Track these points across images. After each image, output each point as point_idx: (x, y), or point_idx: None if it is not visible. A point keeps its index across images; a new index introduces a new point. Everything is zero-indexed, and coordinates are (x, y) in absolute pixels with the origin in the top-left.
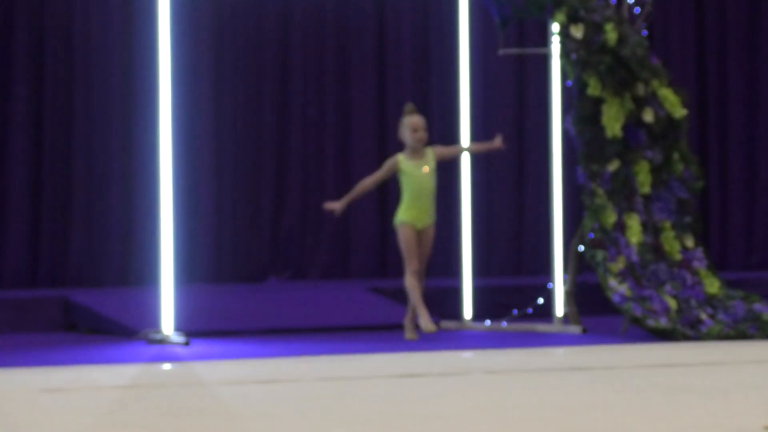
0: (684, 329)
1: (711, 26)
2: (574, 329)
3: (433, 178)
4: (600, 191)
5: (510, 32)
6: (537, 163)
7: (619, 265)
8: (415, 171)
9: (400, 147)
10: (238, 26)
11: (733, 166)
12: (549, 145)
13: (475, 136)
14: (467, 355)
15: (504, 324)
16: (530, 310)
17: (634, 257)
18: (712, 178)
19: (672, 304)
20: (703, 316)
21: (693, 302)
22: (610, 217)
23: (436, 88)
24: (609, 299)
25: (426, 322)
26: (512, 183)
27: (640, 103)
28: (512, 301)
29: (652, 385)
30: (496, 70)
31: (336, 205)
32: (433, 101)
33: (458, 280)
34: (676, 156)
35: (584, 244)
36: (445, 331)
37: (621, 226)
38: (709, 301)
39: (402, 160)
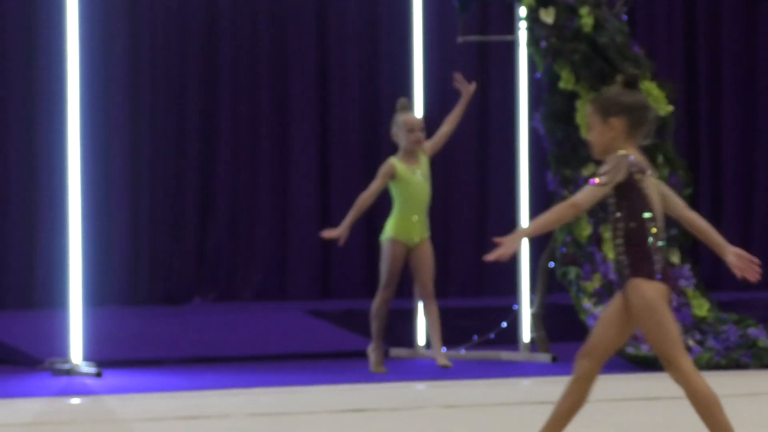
0: None
1: (702, 10)
2: (543, 357)
3: (428, 184)
4: None
5: (471, 17)
6: (501, 168)
7: (594, 283)
8: (411, 177)
9: (347, 154)
10: (158, 12)
11: (727, 171)
12: (515, 146)
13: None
14: (420, 387)
15: (463, 351)
16: (492, 336)
17: (612, 275)
18: (703, 185)
19: None
20: (691, 343)
21: (679, 327)
22: (585, 230)
23: (387, 81)
24: (583, 323)
25: (440, 356)
26: (473, 190)
27: None
28: (473, 325)
29: (632, 422)
30: (455, 60)
31: (337, 232)
32: (382, 96)
33: (410, 301)
34: (660, 159)
35: (555, 261)
36: (395, 359)
37: (597, 240)
38: (698, 325)
39: (397, 164)
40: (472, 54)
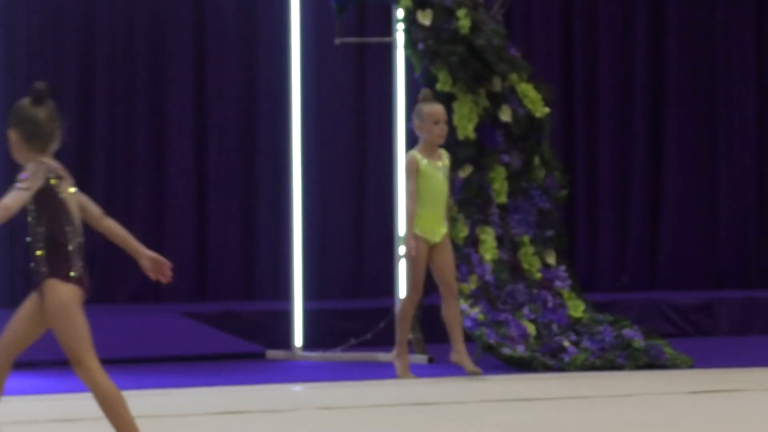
0: (544, 358)
1: (578, 13)
2: (419, 358)
3: (447, 180)
4: (450, 202)
5: (349, 19)
6: (379, 169)
7: (471, 285)
8: (433, 171)
9: (224, 154)
10: (33, 12)
11: (603, 172)
12: (393, 147)
13: (309, 137)
14: (297, 389)
15: (339, 352)
16: (369, 337)
17: (489, 276)
18: (579, 186)
19: (531, 329)
20: (566, 344)
21: (555, 327)
22: (462, 231)
23: (264, 82)
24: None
25: (468, 363)
26: (351, 192)
27: (496, 100)
28: (349, 326)
29: (506, 423)
30: (333, 61)
31: (414, 250)
32: (260, 98)
33: (288, 303)
34: (537, 161)
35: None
36: (272, 361)
37: (474, 241)
38: (573, 326)
39: (419, 157)
40: (349, 55)
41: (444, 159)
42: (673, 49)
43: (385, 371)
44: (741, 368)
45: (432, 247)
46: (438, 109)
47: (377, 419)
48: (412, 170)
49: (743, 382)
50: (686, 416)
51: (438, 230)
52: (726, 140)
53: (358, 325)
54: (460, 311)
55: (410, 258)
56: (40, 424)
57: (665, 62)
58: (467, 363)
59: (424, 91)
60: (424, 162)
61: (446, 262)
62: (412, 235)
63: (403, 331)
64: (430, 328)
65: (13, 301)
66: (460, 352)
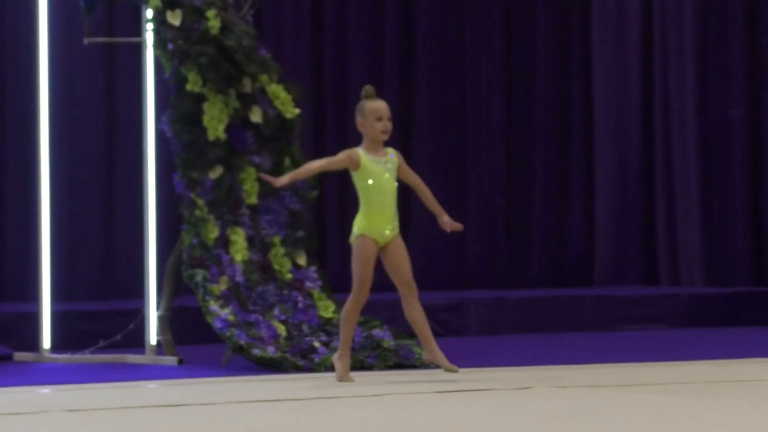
0: (295, 359)
1: (328, 15)
2: (170, 360)
3: (394, 179)
4: (200, 202)
5: (98, 18)
6: (129, 169)
7: (221, 286)
8: (379, 170)
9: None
10: None
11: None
12: (143, 148)
13: (58, 138)
14: (44, 391)
15: (89, 354)
16: (119, 338)
17: (239, 277)
18: (329, 187)
19: (281, 330)
20: (317, 344)
21: (305, 328)
22: (212, 232)
23: (12, 83)
24: (210, 325)
25: (444, 361)
26: (100, 192)
27: (246, 101)
28: (99, 328)
29: (256, 424)
30: (82, 61)
31: (277, 180)
32: (8, 98)
33: (36, 304)
34: (287, 162)
35: (182, 263)
36: (20, 363)
37: (224, 242)
38: (324, 326)
39: (362, 155)
40: (99, 55)
41: (390, 156)
42: (423, 50)
43: (134, 372)
44: (489, 368)
45: (383, 248)
46: (380, 105)
47: (125, 421)
48: (346, 155)
49: (491, 382)
50: (435, 415)
51: (387, 230)
52: (474, 142)
53: (107, 327)
54: (422, 310)
55: (358, 258)
56: None
57: (415, 63)
58: (443, 361)
59: (366, 88)
60: (368, 160)
61: (401, 262)
62: (289, 177)
63: (347, 332)
64: (181, 331)
65: None
66: (433, 351)
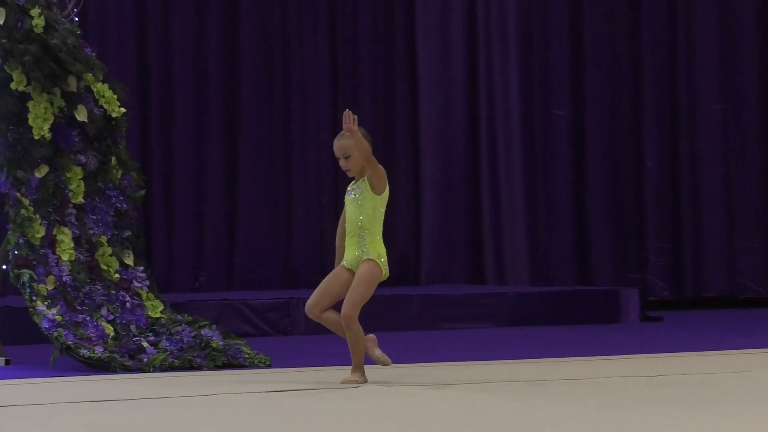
0: (123, 359)
1: (152, 13)
2: None
3: (360, 209)
4: (26, 201)
5: None
6: None
7: (48, 286)
8: (348, 201)
9: None
10: None
11: (180, 173)
12: None
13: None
14: None
15: None
16: None
17: (66, 277)
18: (156, 187)
19: (109, 330)
20: (145, 344)
21: (133, 328)
22: (38, 232)
23: None
24: (37, 325)
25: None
26: None
27: (72, 99)
28: None
29: (83, 424)
30: None
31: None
32: None
33: None
34: (113, 161)
35: (9, 263)
36: None
37: (51, 242)
38: (152, 326)
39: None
40: None
41: (361, 187)
42: (247, 52)
43: None
44: (317, 367)
45: (349, 272)
46: (335, 146)
47: None
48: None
49: (319, 382)
50: (263, 415)
51: (351, 257)
52: (301, 144)
53: None
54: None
55: (374, 284)
56: None
57: (240, 64)
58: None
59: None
60: (348, 191)
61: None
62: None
63: (361, 353)
64: (8, 331)
65: None
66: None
